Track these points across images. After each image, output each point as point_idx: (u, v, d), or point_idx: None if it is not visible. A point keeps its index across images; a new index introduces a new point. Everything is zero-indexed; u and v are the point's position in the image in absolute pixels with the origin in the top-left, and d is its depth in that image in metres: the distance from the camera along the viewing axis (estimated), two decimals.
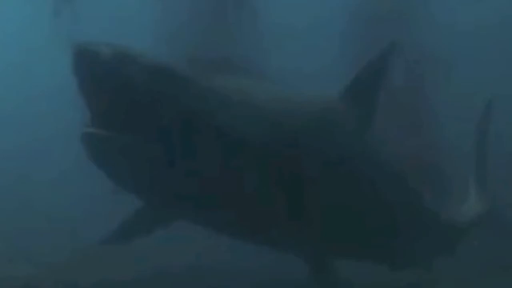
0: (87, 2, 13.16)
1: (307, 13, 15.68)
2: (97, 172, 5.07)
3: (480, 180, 7.95)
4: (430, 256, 6.76)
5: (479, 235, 7.57)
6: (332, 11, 13.13)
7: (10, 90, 17.81)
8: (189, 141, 4.85)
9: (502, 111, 8.61)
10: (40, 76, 17.51)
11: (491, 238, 7.74)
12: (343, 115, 6.00)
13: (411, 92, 12.04)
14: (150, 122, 4.75)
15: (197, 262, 7.81)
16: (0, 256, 8.18)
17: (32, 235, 9.69)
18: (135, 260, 7.21)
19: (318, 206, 5.39)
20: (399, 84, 11.48)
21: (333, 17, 12.79)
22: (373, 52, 6.31)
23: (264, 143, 5.10)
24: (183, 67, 5.05)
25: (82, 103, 4.83)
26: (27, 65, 18.10)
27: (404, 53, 10.78)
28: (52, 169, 14.03)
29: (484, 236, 7.64)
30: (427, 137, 11.71)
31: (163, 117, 4.78)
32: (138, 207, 5.78)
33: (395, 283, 6.62)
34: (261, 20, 12.60)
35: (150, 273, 6.98)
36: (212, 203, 5.18)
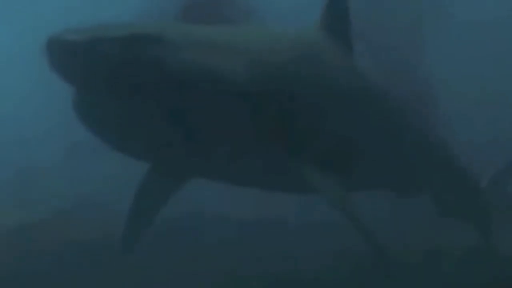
0: None
1: None
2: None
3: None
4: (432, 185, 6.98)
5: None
6: None
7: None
8: (179, 95, 4.88)
9: None
10: None
11: None
12: (326, 44, 6.09)
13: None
14: (134, 85, 4.83)
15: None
16: None
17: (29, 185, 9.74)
18: None
19: (315, 140, 5.46)
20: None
21: None
22: None
23: (253, 82, 5.10)
24: (158, 28, 5.07)
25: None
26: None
27: None
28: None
29: None
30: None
31: (148, 78, 4.84)
32: (144, 180, 5.93)
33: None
34: None
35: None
36: (217, 150, 5.20)
